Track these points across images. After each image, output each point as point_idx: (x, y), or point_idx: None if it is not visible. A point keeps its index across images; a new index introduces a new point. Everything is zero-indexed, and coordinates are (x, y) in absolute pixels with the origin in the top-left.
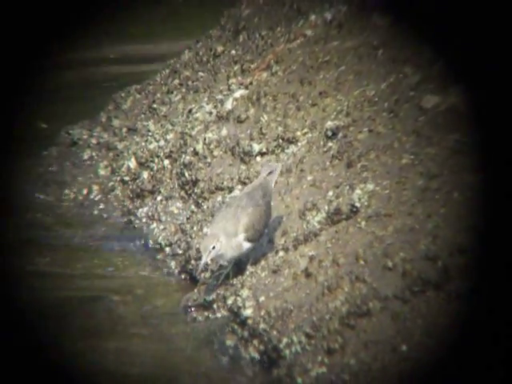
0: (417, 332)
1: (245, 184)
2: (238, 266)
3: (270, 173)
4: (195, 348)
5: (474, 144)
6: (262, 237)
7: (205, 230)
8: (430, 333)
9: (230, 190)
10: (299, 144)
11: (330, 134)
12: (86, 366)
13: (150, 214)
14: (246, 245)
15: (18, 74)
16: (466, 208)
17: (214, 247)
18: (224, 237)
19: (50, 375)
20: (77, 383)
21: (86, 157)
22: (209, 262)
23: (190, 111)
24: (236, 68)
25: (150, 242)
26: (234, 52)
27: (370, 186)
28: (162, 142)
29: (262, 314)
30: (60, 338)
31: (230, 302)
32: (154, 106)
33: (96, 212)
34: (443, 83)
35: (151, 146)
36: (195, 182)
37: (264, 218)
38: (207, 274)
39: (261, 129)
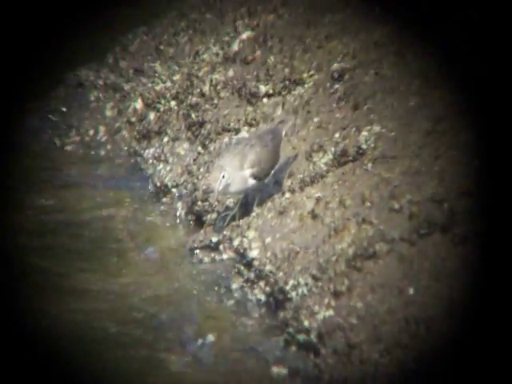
0: (424, 275)
1: (251, 126)
2: (245, 207)
3: (282, 122)
4: (201, 290)
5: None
6: (268, 177)
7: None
8: (437, 276)
9: (237, 131)
10: (305, 86)
11: (336, 75)
12: (90, 304)
13: (156, 155)
14: (251, 181)
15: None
16: (472, 150)
17: (223, 176)
18: (230, 169)
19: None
20: (82, 322)
21: (92, 98)
22: (220, 189)
23: (196, 53)
24: (243, 10)
25: (157, 182)
26: None
27: (377, 128)
28: (168, 84)
29: (268, 255)
30: (65, 275)
31: (236, 243)
32: (161, 47)
33: (103, 153)
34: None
35: (158, 88)
36: (202, 124)
37: (271, 159)
38: (214, 215)
39: (267, 70)
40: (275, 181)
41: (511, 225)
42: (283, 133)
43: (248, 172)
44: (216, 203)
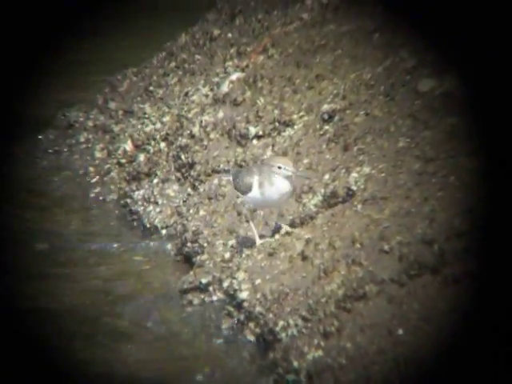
0: (413, 316)
1: (241, 167)
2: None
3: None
4: (191, 331)
5: (470, 128)
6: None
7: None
8: (426, 317)
9: (227, 172)
10: (295, 127)
11: (326, 117)
12: (81, 352)
13: (146, 196)
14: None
15: (16, 58)
16: (462, 192)
17: (280, 167)
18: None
19: None
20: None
21: (82, 139)
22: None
23: (186, 94)
24: (232, 51)
25: (147, 224)
26: (230, 35)
27: (367, 169)
28: (158, 125)
29: (258, 296)
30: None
31: (225, 284)
32: (151, 88)
33: (93, 195)
34: (439, 67)
35: (147, 129)
36: (192, 165)
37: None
38: (204, 256)
39: (257, 111)
40: (265, 222)
41: (501, 266)
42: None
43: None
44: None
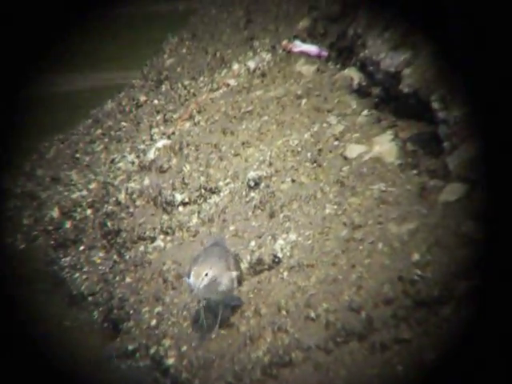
0: (340, 382)
1: (167, 234)
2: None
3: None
4: None
5: (399, 194)
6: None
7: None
8: (353, 383)
9: (153, 239)
10: (221, 194)
11: (252, 183)
12: None
13: (72, 263)
14: (235, 283)
15: None
16: (391, 258)
17: (206, 274)
18: (217, 269)
19: None
20: None
21: (11, 206)
22: (202, 288)
23: (112, 161)
24: (158, 118)
25: (73, 291)
26: (156, 102)
27: (293, 237)
28: (84, 192)
29: (185, 363)
30: None
31: (152, 351)
32: (77, 155)
33: (19, 262)
34: (368, 133)
35: (74, 196)
36: (117, 232)
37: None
38: (130, 323)
39: (183, 178)
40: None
41: (431, 332)
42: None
43: (234, 274)
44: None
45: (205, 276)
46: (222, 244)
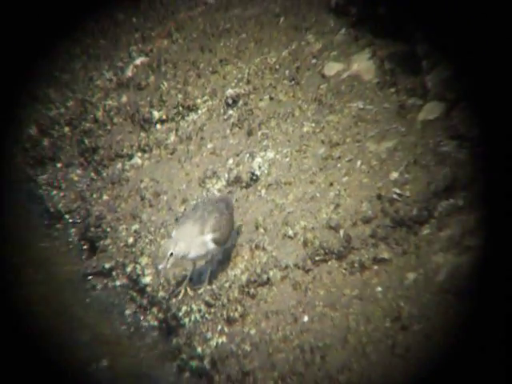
0: (319, 302)
1: (144, 151)
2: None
3: (230, 192)
4: (94, 317)
5: (377, 112)
6: (227, 243)
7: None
8: (332, 304)
9: (130, 157)
10: (199, 111)
11: (230, 101)
12: None
13: (49, 180)
14: (211, 245)
15: None
16: (369, 177)
17: (171, 254)
18: (185, 239)
19: None
20: None
21: None
22: (168, 266)
23: (90, 78)
24: (137, 35)
25: (50, 208)
26: (134, 20)
27: (271, 154)
28: (62, 110)
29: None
30: None
31: (129, 269)
32: (55, 73)
33: None
34: (346, 51)
35: (52, 113)
36: (95, 149)
37: (229, 225)
38: (107, 241)
39: (161, 96)
40: (168, 208)
41: (410, 252)
42: (233, 201)
43: (209, 236)
44: (162, 279)
45: (170, 256)
46: (227, 201)
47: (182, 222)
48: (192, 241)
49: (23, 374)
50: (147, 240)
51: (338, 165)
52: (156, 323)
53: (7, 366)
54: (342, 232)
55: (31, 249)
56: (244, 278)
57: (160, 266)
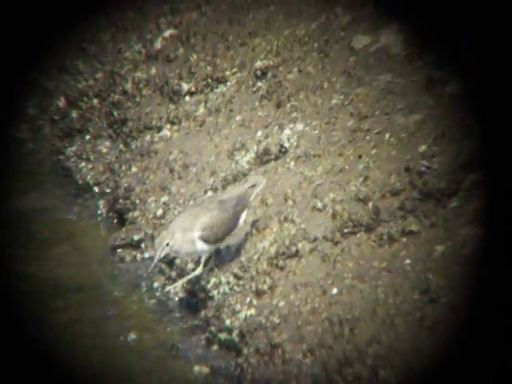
0: (347, 275)
1: (173, 123)
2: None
3: (253, 186)
4: (123, 290)
5: (406, 85)
6: (221, 242)
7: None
8: (361, 276)
9: (159, 129)
10: (228, 84)
11: (259, 73)
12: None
13: (78, 152)
14: (200, 244)
15: None
16: (397, 150)
17: (167, 244)
18: (180, 232)
19: None
20: None
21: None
22: (161, 257)
23: (119, 50)
24: (165, 7)
25: (79, 180)
26: None
27: (300, 126)
28: (91, 82)
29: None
30: None
31: (158, 241)
32: (84, 45)
33: (25, 151)
34: (374, 24)
35: (80, 86)
36: (124, 121)
37: (227, 225)
38: (136, 213)
39: (190, 68)
40: (197, 179)
41: (437, 224)
42: (252, 197)
43: (196, 234)
44: (151, 269)
45: (165, 246)
46: (239, 199)
47: (179, 214)
48: (183, 235)
49: (49, 350)
50: (176, 212)
51: (367, 137)
52: (185, 296)
53: (33, 340)
54: (370, 204)
55: (59, 222)
56: (273, 250)
57: (155, 257)
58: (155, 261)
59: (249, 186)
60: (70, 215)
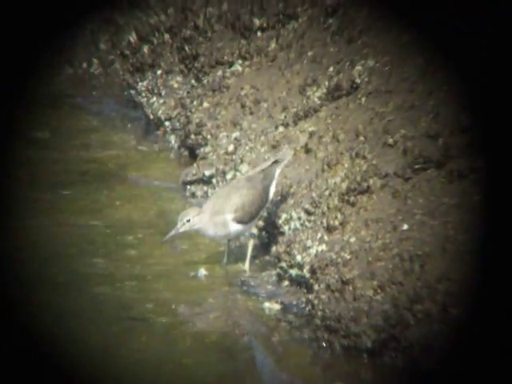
0: (418, 211)
1: (245, 59)
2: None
3: (276, 162)
4: None
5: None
6: (254, 220)
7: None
8: (431, 212)
9: (231, 64)
10: (300, 20)
11: (330, 10)
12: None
13: (149, 87)
14: (233, 225)
15: None
16: (466, 86)
17: (188, 220)
18: (209, 214)
19: None
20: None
21: (86, 31)
22: (180, 232)
23: None
24: None
25: (150, 115)
26: None
27: (371, 63)
28: (162, 17)
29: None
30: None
31: (229, 176)
32: None
33: (96, 85)
34: None
35: (152, 21)
36: (195, 57)
37: (258, 201)
38: (207, 149)
39: (262, 4)
40: (268, 115)
41: (507, 161)
42: (279, 170)
43: (229, 217)
44: (164, 240)
45: (186, 222)
46: (266, 174)
47: (211, 197)
48: (213, 218)
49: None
50: (247, 147)
51: (438, 74)
52: (256, 231)
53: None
54: (440, 141)
55: (132, 150)
56: (344, 185)
57: (172, 231)
58: (172, 233)
59: (275, 160)
60: (142, 147)
